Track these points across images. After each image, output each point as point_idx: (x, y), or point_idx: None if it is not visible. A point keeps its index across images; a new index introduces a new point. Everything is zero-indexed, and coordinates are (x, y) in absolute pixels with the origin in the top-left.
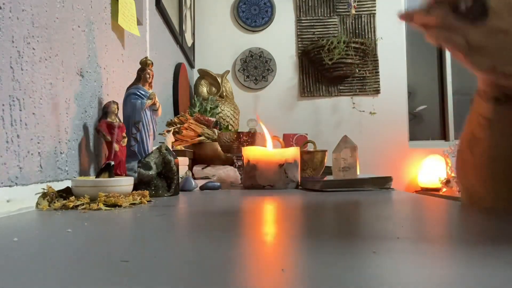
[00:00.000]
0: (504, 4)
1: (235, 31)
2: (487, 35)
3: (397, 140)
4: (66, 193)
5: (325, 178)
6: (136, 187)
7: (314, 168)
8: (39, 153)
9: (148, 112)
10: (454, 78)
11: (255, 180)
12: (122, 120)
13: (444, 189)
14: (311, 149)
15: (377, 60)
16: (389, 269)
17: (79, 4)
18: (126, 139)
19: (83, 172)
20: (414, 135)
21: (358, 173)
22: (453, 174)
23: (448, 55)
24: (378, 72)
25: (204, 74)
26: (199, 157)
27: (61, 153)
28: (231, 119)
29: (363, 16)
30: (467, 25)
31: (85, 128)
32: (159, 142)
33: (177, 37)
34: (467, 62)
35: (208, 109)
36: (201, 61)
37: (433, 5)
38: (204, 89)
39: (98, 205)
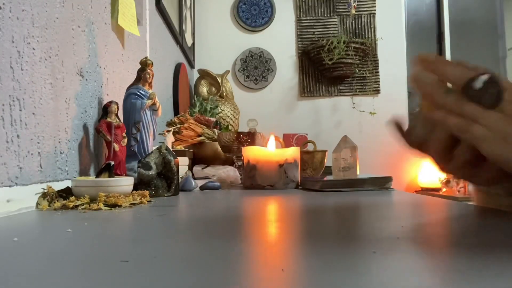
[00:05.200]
0: None
1: (235, 31)
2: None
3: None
4: (66, 193)
5: (325, 178)
6: (136, 187)
7: (314, 168)
8: (39, 153)
9: (148, 112)
10: None
11: (255, 180)
12: (122, 120)
13: (444, 189)
14: (311, 149)
15: (377, 60)
16: (389, 269)
17: (79, 4)
18: (126, 139)
19: (83, 172)
20: None
21: (358, 173)
22: None
23: (448, 55)
24: (378, 72)
25: (204, 74)
26: (199, 157)
27: (61, 153)
28: (231, 119)
29: (363, 16)
30: (485, 111)
31: (85, 128)
32: (159, 142)
33: (177, 37)
34: (491, 153)
35: (208, 109)
36: (201, 61)
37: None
38: (204, 89)
39: (98, 205)
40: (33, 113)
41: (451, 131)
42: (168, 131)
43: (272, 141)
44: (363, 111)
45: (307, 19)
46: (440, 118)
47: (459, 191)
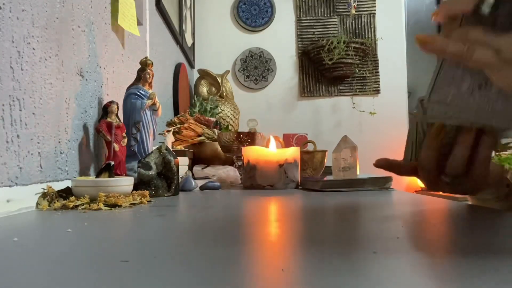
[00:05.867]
0: None
1: (235, 31)
2: None
3: (397, 140)
4: (66, 193)
5: (325, 178)
6: (136, 187)
7: (314, 168)
8: (39, 153)
9: (148, 112)
10: None
11: (255, 180)
12: (122, 120)
13: None
14: (311, 149)
15: (377, 60)
16: (389, 269)
17: (79, 4)
18: (126, 139)
19: (83, 172)
20: None
21: (358, 173)
22: None
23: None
24: (378, 72)
25: (204, 74)
26: (199, 157)
27: (61, 153)
28: (231, 119)
29: (363, 16)
30: (496, 36)
31: (85, 128)
32: (159, 142)
33: (177, 37)
34: (501, 79)
35: (208, 109)
36: (201, 61)
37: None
38: (204, 89)
39: (98, 205)
40: (33, 113)
41: (453, 59)
42: (168, 131)
43: (272, 143)
44: (363, 111)
45: (307, 19)
46: (439, 47)
47: None
